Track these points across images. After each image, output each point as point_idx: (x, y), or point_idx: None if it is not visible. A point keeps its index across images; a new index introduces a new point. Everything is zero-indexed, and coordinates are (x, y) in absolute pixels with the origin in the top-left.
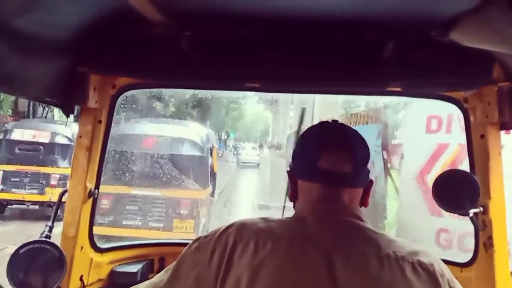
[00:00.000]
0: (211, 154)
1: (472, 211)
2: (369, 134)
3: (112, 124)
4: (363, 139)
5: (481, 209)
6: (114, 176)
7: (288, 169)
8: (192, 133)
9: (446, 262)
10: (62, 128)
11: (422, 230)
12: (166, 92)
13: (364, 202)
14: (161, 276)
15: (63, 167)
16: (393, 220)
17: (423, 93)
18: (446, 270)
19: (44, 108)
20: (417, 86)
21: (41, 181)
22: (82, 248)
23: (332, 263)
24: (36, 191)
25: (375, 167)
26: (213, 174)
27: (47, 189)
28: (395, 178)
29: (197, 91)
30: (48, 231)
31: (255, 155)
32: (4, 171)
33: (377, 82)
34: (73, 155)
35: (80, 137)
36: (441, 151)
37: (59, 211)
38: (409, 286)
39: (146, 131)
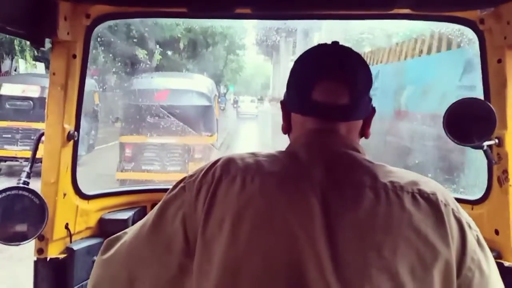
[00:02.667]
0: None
1: (486, 144)
2: (447, 67)
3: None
4: (365, 64)
5: (496, 141)
6: (133, 128)
7: (282, 99)
8: (199, 84)
9: (455, 199)
10: (42, 80)
11: None
12: (150, 37)
13: (364, 133)
14: (146, 219)
15: (41, 122)
16: None
17: (434, 15)
18: (451, 199)
19: (11, 61)
20: (428, 6)
21: (32, 137)
22: (65, 194)
23: (326, 198)
24: (28, 148)
25: None
26: (216, 120)
27: (39, 145)
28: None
29: (186, 35)
30: (25, 177)
31: (253, 107)
32: None
33: (384, 2)
34: (47, 94)
35: (54, 74)
36: None
37: None
38: (407, 217)
39: (158, 86)
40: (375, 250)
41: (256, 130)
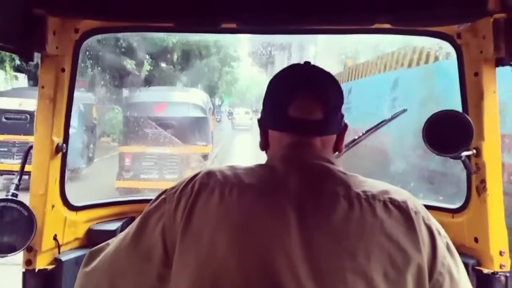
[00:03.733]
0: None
1: (464, 154)
2: None
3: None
4: (336, 82)
5: (474, 151)
6: (133, 138)
7: (259, 117)
8: (195, 97)
9: (436, 208)
10: None
11: None
12: (139, 47)
13: (338, 148)
14: (128, 230)
15: None
16: None
17: (413, 29)
18: (421, 207)
19: None
20: (406, 21)
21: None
22: (53, 206)
23: (301, 208)
24: None
25: None
26: (211, 132)
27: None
28: None
29: (179, 46)
30: (14, 189)
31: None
32: None
33: (364, 18)
34: (36, 107)
35: (43, 87)
36: None
37: None
38: (379, 223)
39: (156, 98)
40: (349, 256)
41: (250, 140)
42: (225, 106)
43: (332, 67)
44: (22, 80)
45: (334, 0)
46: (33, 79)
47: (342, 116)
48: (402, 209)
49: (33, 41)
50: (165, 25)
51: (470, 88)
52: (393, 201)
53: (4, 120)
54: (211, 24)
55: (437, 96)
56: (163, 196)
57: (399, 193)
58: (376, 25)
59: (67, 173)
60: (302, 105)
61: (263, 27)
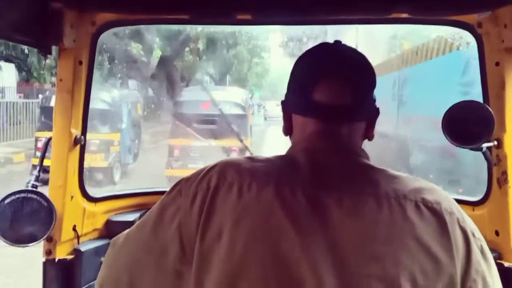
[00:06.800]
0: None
1: (485, 145)
2: None
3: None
4: (367, 62)
5: (495, 142)
6: (181, 132)
7: (283, 99)
8: (236, 96)
9: (457, 201)
10: (100, 92)
11: None
12: (145, 29)
13: (368, 135)
14: (145, 221)
15: (103, 133)
16: None
17: (432, 18)
18: (456, 208)
19: None
20: (425, 10)
21: None
22: (72, 197)
23: (324, 207)
24: None
25: None
26: (250, 127)
27: (86, 155)
28: None
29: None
30: (34, 180)
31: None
32: (46, 138)
33: (382, 7)
34: (54, 100)
35: (61, 80)
36: None
37: None
38: (410, 227)
39: (202, 97)
40: (376, 261)
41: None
42: (255, 99)
43: (377, 52)
44: (8, 70)
45: None
46: (25, 70)
47: (374, 100)
48: (435, 212)
49: (50, 35)
50: (180, 17)
51: (491, 78)
52: (425, 202)
53: None
54: (225, 15)
55: None
56: (178, 188)
57: (433, 192)
58: (394, 15)
59: (120, 168)
60: (329, 88)
61: (278, 18)
